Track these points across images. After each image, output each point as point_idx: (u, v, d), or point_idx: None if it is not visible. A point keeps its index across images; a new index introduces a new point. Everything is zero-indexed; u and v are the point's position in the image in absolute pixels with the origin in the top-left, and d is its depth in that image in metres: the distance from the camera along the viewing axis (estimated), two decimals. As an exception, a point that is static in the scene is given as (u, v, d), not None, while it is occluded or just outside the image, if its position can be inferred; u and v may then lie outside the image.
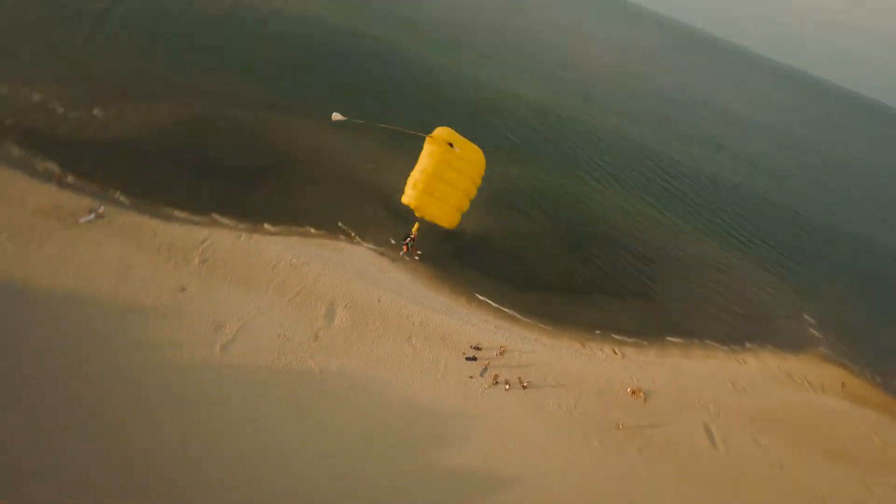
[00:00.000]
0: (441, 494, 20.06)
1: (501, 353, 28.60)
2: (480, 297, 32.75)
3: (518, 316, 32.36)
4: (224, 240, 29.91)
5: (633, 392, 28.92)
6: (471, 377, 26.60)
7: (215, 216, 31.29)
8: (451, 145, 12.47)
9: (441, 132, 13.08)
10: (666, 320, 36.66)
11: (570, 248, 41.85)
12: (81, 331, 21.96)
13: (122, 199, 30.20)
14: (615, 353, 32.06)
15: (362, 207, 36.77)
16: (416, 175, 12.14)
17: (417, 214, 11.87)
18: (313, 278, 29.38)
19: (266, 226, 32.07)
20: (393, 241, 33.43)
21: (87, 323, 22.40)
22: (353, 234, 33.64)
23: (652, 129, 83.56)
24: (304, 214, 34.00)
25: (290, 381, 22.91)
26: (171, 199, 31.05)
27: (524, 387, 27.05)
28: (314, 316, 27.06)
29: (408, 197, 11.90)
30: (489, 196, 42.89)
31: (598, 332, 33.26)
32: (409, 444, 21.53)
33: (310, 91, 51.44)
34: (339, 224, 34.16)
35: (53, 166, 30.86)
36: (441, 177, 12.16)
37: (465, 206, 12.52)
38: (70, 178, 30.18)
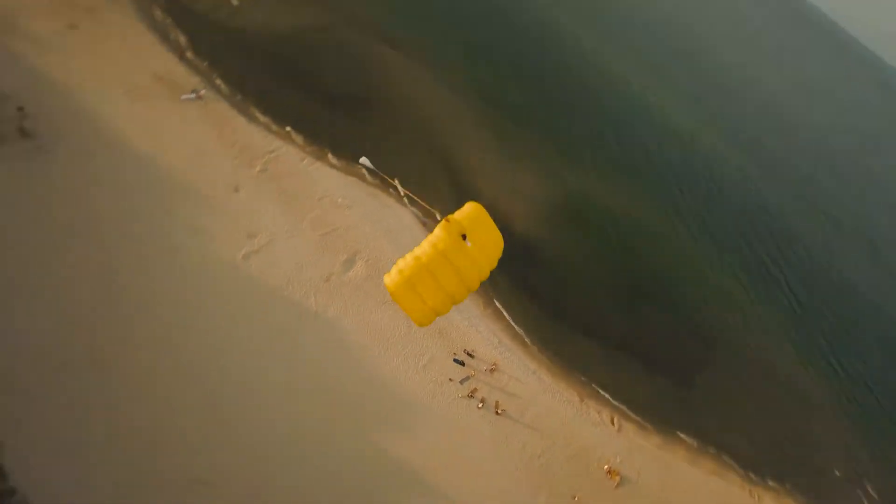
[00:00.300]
0: (363, 473, 20.57)
1: (491, 371, 27.44)
2: (497, 305, 31.21)
3: (527, 340, 30.47)
4: (289, 157, 31.32)
5: (610, 471, 26.40)
6: (450, 379, 26.05)
7: (290, 131, 32.67)
8: (464, 237, 10.52)
9: (465, 214, 11.06)
10: (688, 414, 32.18)
11: (619, 293, 37.66)
12: (143, 194, 24.93)
13: (221, 87, 32.61)
14: (612, 422, 29.17)
15: (426, 172, 35.97)
16: (408, 258, 10.48)
17: (392, 299, 10.37)
18: (349, 223, 29.96)
19: (330, 156, 32.88)
20: (438, 217, 32.72)
21: (150, 189, 25.33)
22: (402, 195, 33.28)
23: (792, 193, 69.28)
24: (369, 158, 34.11)
25: (287, 311, 24.25)
26: (261, 102, 32.85)
27: (497, 413, 25.94)
28: (334, 259, 27.87)
29: (390, 278, 10.42)
30: (557, 203, 39.60)
31: (604, 392, 30.31)
32: (358, 416, 22.04)
33: (434, 40, 49.26)
34: (396, 181, 33.82)
35: (181, 38, 33.96)
36: (433, 273, 10.31)
37: (446, 310, 10.79)
38: (189, 54, 33.09)
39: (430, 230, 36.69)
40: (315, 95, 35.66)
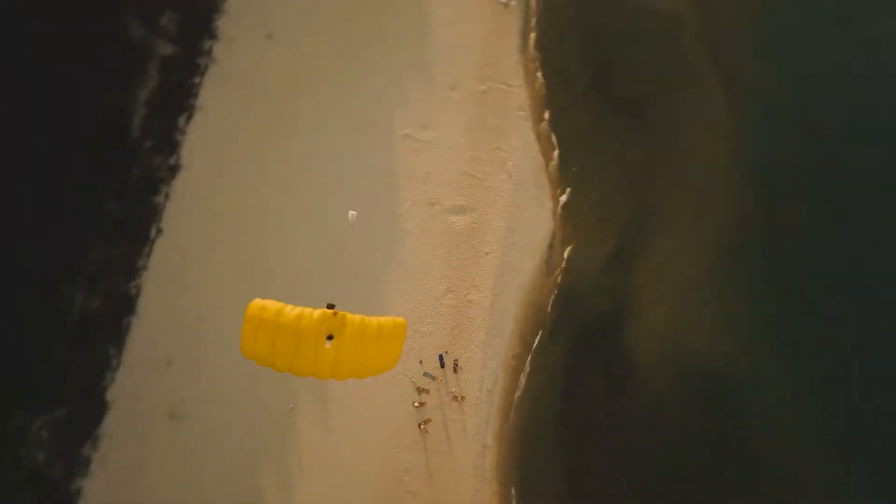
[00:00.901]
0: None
1: (455, 399, 25.06)
2: (526, 369, 26.81)
3: (512, 424, 25.83)
4: (514, 98, 30.63)
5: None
6: (420, 362, 25.20)
7: (540, 77, 31.25)
8: (329, 338, 8.85)
9: (368, 325, 8.88)
10: None
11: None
12: (398, 41, 29.62)
13: (531, 6, 32.38)
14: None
15: (609, 204, 29.88)
16: (277, 306, 9.36)
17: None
18: (495, 185, 28.91)
19: (544, 124, 30.70)
20: (566, 253, 28.40)
21: (407, 42, 29.63)
22: (560, 206, 29.42)
23: None
24: (574, 151, 30.40)
25: (382, 191, 26.98)
26: (543, 36, 31.86)
27: (420, 427, 24.33)
28: (454, 197, 28.05)
29: (257, 301, 9.78)
30: (703, 365, 28.54)
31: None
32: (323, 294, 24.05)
33: (787, 106, 35.95)
34: (570, 188, 29.80)
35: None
36: (276, 335, 9.06)
37: (264, 366, 9.60)
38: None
39: (553, 251, 32.14)
40: (590, 66, 32.29)
